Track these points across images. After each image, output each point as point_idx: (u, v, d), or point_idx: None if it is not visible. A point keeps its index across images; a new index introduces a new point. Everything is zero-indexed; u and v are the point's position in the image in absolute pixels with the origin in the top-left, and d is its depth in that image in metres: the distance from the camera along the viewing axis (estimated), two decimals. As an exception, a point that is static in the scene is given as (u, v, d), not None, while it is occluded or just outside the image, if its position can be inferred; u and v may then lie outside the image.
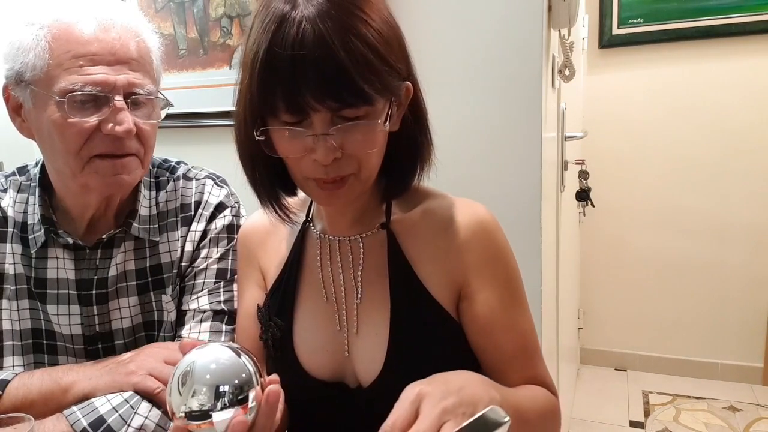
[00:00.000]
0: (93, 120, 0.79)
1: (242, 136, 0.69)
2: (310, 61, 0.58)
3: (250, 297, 0.84)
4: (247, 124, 0.66)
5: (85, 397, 0.75)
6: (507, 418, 0.53)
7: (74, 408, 0.73)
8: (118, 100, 0.79)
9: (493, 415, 0.53)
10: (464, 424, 0.52)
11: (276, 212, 0.75)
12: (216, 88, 1.62)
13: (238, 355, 0.59)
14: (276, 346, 0.78)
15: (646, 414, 2.38)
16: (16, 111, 0.85)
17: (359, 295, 0.76)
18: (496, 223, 0.75)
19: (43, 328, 0.91)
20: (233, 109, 0.69)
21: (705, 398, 2.47)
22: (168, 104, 0.87)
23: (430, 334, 0.73)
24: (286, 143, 0.65)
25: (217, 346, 0.59)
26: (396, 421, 0.53)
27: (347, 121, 0.62)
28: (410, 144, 0.72)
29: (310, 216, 0.82)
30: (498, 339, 0.74)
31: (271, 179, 0.73)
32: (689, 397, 2.49)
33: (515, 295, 0.75)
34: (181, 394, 0.55)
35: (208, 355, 0.57)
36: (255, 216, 0.86)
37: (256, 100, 0.63)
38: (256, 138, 0.65)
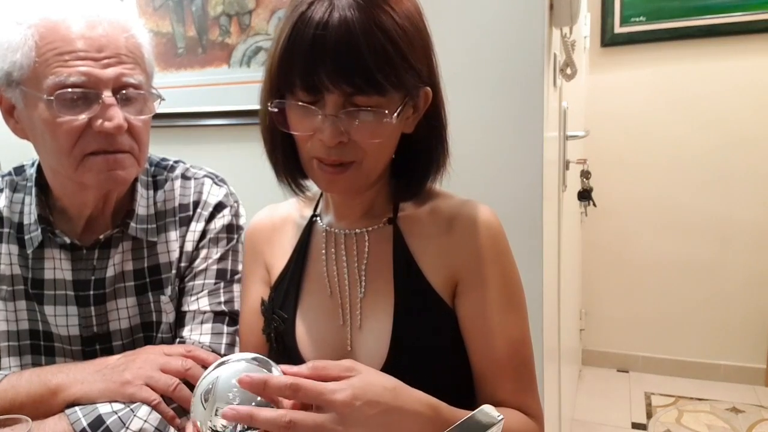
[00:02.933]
0: (83, 117, 0.78)
1: (263, 108, 0.71)
2: (329, 43, 0.61)
3: (255, 293, 0.85)
4: (266, 97, 0.69)
5: (75, 402, 0.74)
6: (500, 417, 0.52)
7: (76, 408, 0.73)
8: (107, 96, 0.78)
9: (483, 416, 0.52)
10: (453, 426, 0.51)
11: (291, 187, 0.78)
12: (215, 87, 1.61)
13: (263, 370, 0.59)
14: (278, 340, 0.79)
15: (649, 415, 2.37)
16: (9, 113, 0.84)
17: (362, 289, 0.77)
18: (500, 228, 0.76)
19: (41, 329, 0.90)
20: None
21: (707, 400, 2.46)
22: (160, 98, 0.86)
23: (433, 329, 0.74)
24: (298, 120, 0.67)
25: (242, 362, 0.59)
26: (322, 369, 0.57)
27: (358, 107, 0.64)
28: (424, 150, 0.74)
29: (318, 211, 0.83)
30: (483, 342, 0.73)
31: (287, 154, 0.75)
32: (692, 398, 2.48)
33: (510, 302, 0.74)
34: (205, 409, 0.56)
35: (231, 371, 0.58)
36: (262, 213, 0.88)
37: (275, 73, 0.66)
38: (269, 109, 0.68)
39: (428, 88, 0.70)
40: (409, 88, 0.66)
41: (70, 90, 0.77)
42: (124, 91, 0.81)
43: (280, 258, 0.84)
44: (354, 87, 0.62)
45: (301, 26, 0.62)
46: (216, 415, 0.55)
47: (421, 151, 0.74)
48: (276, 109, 0.68)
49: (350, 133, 0.66)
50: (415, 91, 0.67)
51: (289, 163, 0.75)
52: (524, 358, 0.74)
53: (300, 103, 0.66)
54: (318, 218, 0.83)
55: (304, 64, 0.62)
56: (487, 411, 0.53)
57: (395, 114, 0.65)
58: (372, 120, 0.65)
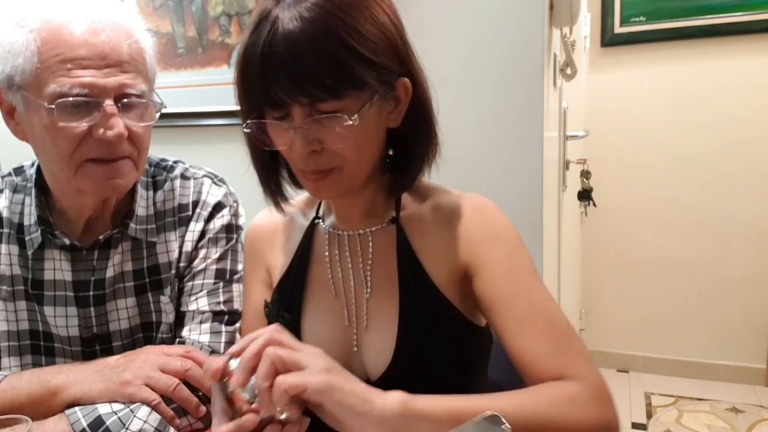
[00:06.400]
0: (83, 125, 0.78)
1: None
2: (276, 58, 0.62)
3: (256, 294, 0.85)
4: (242, 118, 0.70)
5: (75, 402, 0.74)
6: (506, 426, 0.52)
7: (76, 408, 0.73)
8: (109, 105, 0.78)
9: (490, 422, 0.52)
10: (457, 429, 0.51)
11: (277, 204, 0.78)
12: (215, 87, 1.61)
13: None
14: None
15: (649, 416, 2.37)
16: (9, 114, 0.84)
17: (368, 290, 0.77)
18: (495, 207, 0.76)
19: (41, 329, 0.90)
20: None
21: (707, 400, 2.46)
22: (162, 107, 0.86)
23: (438, 328, 0.74)
24: (275, 136, 0.68)
25: None
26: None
27: (322, 114, 0.64)
28: (413, 140, 0.73)
29: (320, 213, 0.83)
30: (506, 312, 0.70)
31: (267, 170, 0.76)
32: (692, 398, 2.48)
33: (521, 270, 0.72)
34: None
35: None
36: (263, 213, 0.88)
37: (241, 97, 0.68)
38: (244, 131, 0.69)
39: (405, 79, 0.69)
40: (375, 86, 0.65)
41: (71, 99, 0.77)
42: (125, 100, 0.80)
43: (281, 260, 0.83)
44: (309, 96, 0.62)
45: (250, 47, 0.63)
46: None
47: (410, 142, 0.73)
48: (249, 130, 0.69)
49: (322, 140, 0.66)
50: (383, 87, 0.66)
51: (268, 178, 0.76)
52: (552, 318, 0.70)
53: (268, 121, 0.67)
54: (320, 220, 0.82)
55: (260, 84, 0.63)
56: (496, 417, 0.53)
57: (355, 115, 0.64)
58: (336, 125, 0.64)
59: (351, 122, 0.64)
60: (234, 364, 0.62)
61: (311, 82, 0.61)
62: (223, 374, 0.61)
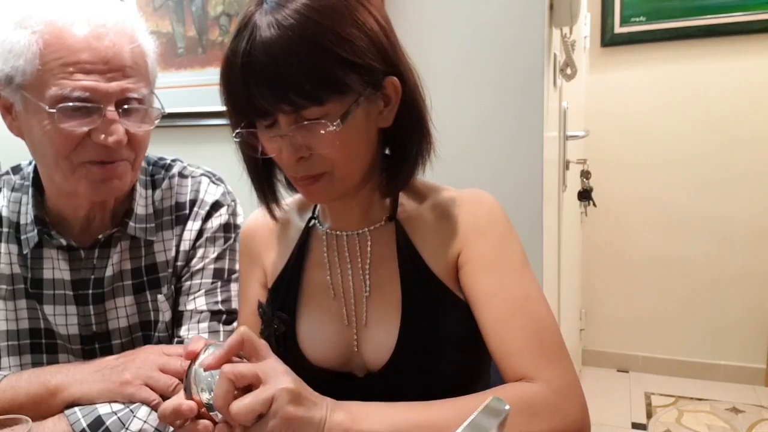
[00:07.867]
0: (83, 129, 0.78)
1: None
2: (256, 67, 0.61)
3: (252, 295, 0.85)
4: (232, 128, 0.70)
5: (75, 402, 0.74)
6: (507, 407, 0.52)
7: (75, 408, 0.73)
8: (110, 111, 0.78)
9: (494, 404, 0.52)
10: (470, 420, 0.51)
11: (271, 211, 0.79)
12: (215, 87, 1.60)
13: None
14: (279, 342, 0.79)
15: (649, 416, 2.37)
16: (6, 109, 0.84)
17: (368, 288, 0.76)
18: (491, 200, 0.75)
19: (42, 327, 0.90)
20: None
21: (707, 400, 2.46)
22: (161, 113, 0.85)
23: (441, 319, 0.74)
24: (265, 143, 0.68)
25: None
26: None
27: (307, 120, 0.64)
28: (406, 139, 0.73)
29: (316, 214, 0.82)
30: (485, 304, 0.70)
31: (260, 175, 0.76)
32: (692, 398, 2.48)
33: (506, 263, 0.71)
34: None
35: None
36: (257, 214, 0.87)
37: (227, 104, 0.68)
38: (234, 140, 0.69)
39: (394, 78, 0.68)
40: (359, 88, 0.64)
41: (72, 103, 0.76)
42: (126, 105, 0.80)
43: (277, 260, 0.83)
44: (291, 104, 0.62)
45: (231, 58, 0.63)
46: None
47: (402, 141, 0.73)
48: (239, 139, 0.69)
49: (309, 147, 0.66)
50: (369, 88, 0.65)
51: (262, 185, 0.76)
52: (532, 315, 0.68)
53: (256, 130, 0.67)
54: (316, 221, 0.82)
55: (243, 93, 0.63)
56: (498, 400, 0.53)
57: (337, 120, 0.64)
58: (319, 130, 0.64)
59: (334, 128, 0.64)
60: (209, 350, 0.60)
61: (291, 89, 0.61)
62: (196, 357, 0.60)
